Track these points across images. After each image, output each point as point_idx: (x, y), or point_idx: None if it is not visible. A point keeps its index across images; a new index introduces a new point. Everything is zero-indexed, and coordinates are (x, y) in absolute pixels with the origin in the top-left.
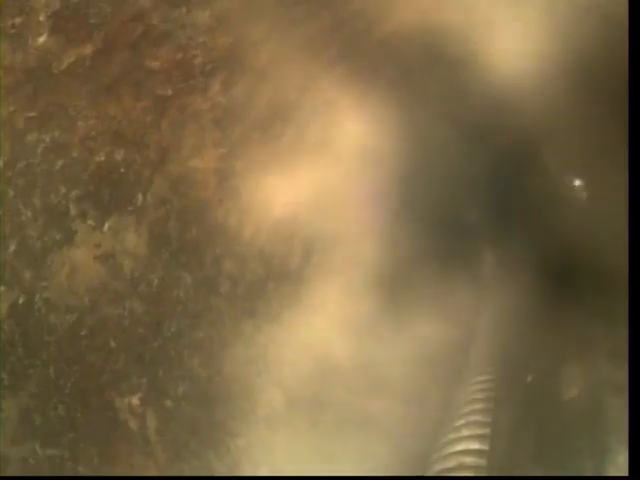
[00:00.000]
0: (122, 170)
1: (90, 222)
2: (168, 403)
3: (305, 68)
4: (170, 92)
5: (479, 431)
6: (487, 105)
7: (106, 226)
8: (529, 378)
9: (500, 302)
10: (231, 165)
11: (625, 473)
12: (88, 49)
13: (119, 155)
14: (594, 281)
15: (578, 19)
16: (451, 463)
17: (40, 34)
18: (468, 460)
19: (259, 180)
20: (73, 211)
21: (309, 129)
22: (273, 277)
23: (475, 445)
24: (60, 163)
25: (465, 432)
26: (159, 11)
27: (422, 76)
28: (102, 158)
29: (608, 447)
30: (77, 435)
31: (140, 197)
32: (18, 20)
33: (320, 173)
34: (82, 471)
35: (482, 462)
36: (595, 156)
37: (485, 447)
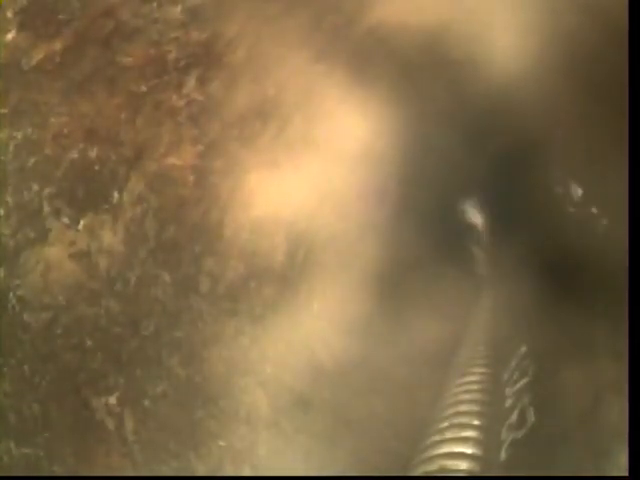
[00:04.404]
0: (96, 167)
1: (64, 220)
2: (146, 403)
3: (284, 64)
4: (144, 88)
5: (463, 434)
6: (487, 105)
7: (81, 224)
8: (526, 379)
9: (498, 302)
10: (209, 163)
11: (625, 473)
12: (57, 45)
13: (93, 152)
14: (593, 281)
15: (578, 19)
16: (433, 466)
17: (8, 30)
18: (449, 463)
19: (239, 178)
20: (47, 209)
21: (290, 127)
22: (255, 276)
23: (458, 448)
24: (32, 160)
25: (449, 434)
26: (129, 6)
27: (420, 75)
28: (75, 155)
29: (608, 447)
30: (52, 434)
31: (116, 195)
32: None
33: (303, 171)
34: (57, 470)
35: (464, 465)
36: (595, 156)
37: (468, 450)
